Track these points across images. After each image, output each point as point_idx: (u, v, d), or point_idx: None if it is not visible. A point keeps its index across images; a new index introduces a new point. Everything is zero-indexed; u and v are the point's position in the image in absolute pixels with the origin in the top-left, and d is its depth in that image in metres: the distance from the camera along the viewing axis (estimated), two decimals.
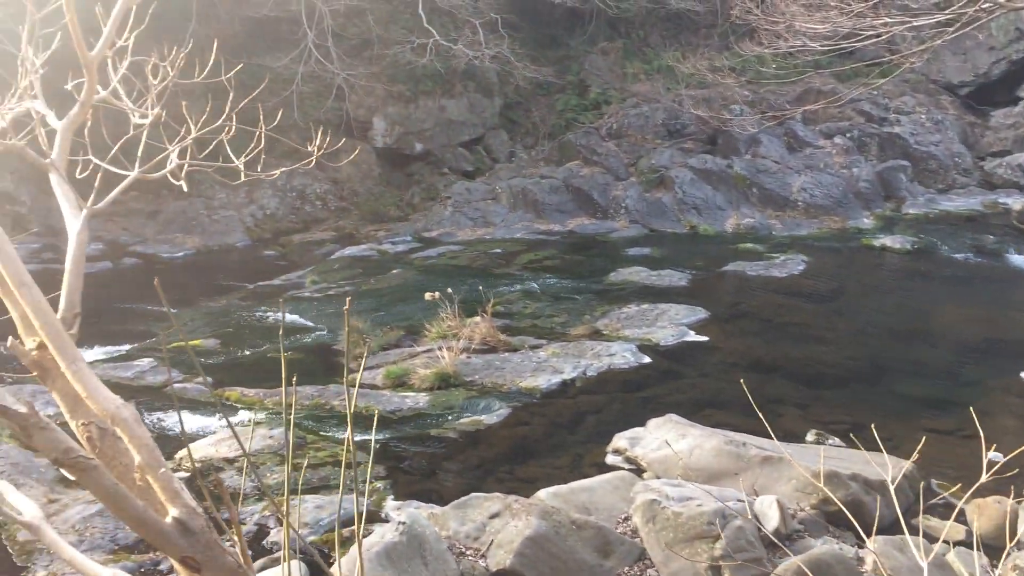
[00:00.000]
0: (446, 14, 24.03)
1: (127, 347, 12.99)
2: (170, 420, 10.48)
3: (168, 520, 1.99)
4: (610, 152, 23.46)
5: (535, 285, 16.45)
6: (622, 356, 12.38)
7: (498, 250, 19.54)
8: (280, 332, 12.35)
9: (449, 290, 13.13)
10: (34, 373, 2.33)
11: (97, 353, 12.63)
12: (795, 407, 10.76)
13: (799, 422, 10.18)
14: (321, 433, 10.13)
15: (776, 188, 21.73)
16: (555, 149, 24.59)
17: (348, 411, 2.01)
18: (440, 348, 11.93)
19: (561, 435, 10.20)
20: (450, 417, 10.59)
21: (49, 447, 1.93)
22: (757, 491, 7.71)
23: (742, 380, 4.97)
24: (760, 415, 3.95)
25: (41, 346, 2.23)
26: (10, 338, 2.25)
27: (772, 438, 6.07)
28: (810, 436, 9.78)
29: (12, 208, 17.79)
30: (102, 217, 18.23)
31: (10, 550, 7.60)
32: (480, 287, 13.90)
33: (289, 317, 14.23)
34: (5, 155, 3.03)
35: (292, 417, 2.16)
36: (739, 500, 7.19)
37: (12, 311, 2.36)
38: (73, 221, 2.58)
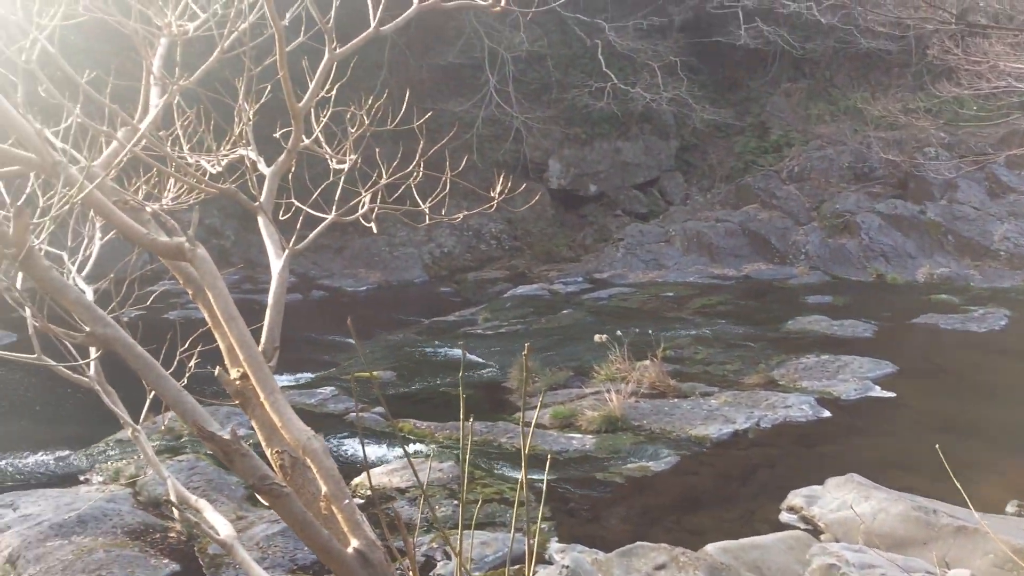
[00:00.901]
0: (624, 58, 24.21)
1: (312, 375, 13.72)
2: (346, 446, 10.95)
3: (350, 551, 2.07)
4: (790, 196, 22.71)
5: (708, 331, 16.07)
6: (799, 408, 11.82)
7: (670, 293, 19.26)
8: (461, 372, 12.66)
9: (619, 332, 13.06)
10: (236, 401, 2.51)
11: (285, 379, 13.42)
12: (994, 474, 9.87)
13: (998, 491, 9.32)
14: (489, 470, 10.26)
15: (975, 236, 20.24)
16: (732, 192, 24.08)
17: (523, 450, 2.03)
18: (608, 391, 11.85)
19: (732, 488, 9.83)
20: (617, 461, 10.45)
21: (247, 473, 2.06)
22: (948, 564, 7.11)
23: (937, 445, 4.61)
24: (954, 480, 3.65)
25: (244, 376, 2.40)
26: (218, 367, 2.43)
27: (967, 506, 5.59)
28: (1010, 507, 8.93)
29: (218, 242, 19.36)
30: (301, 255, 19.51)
31: (200, 561, 8.12)
32: (650, 330, 13.74)
33: (460, 353, 14.59)
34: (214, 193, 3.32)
35: (467, 454, 2.20)
36: (928, 572, 6.65)
37: (220, 342, 2.55)
38: (276, 261, 2.78)
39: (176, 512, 2.54)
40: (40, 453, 11.41)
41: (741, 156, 25.03)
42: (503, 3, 3.29)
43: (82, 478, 10.60)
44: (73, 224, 3.59)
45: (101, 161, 2.75)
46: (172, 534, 8.63)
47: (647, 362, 12.77)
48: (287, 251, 2.85)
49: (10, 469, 10.99)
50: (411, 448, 11.15)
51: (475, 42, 23.57)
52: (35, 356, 3.00)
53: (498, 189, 3.46)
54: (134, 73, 3.10)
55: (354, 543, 2.09)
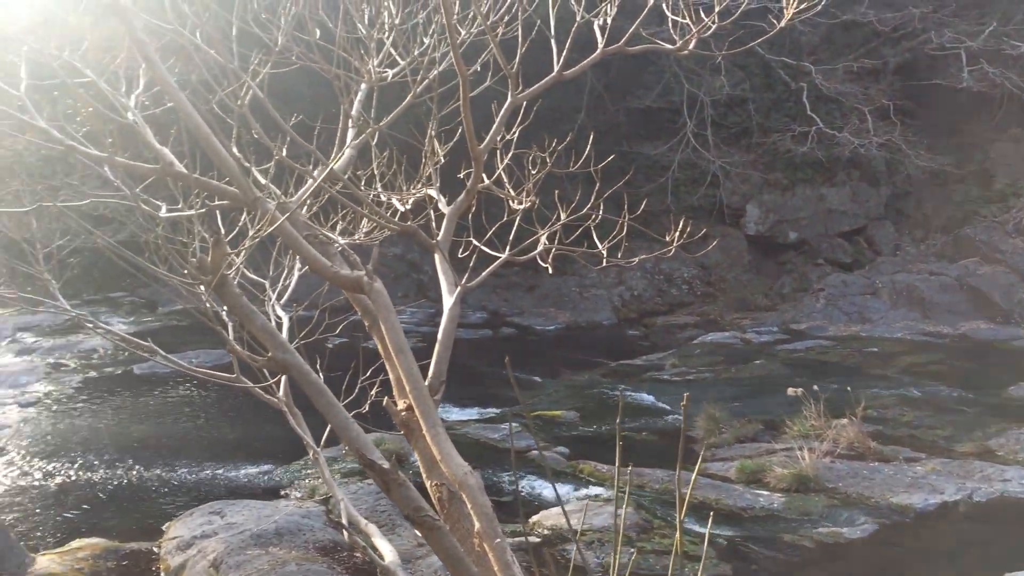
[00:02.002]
0: (832, 102, 23.26)
1: (497, 410, 13.97)
2: (527, 484, 11.03)
3: None
4: (1017, 250, 20.79)
5: (916, 391, 14.90)
6: (1020, 483, 10.68)
7: (874, 349, 18.08)
8: (619, 417, 12.50)
9: (815, 387, 12.38)
10: (401, 431, 2.59)
11: (471, 413, 13.75)
12: None
13: None
14: (670, 519, 9.99)
15: None
16: (949, 244, 22.37)
17: (677, 499, 1.96)
18: (800, 448, 11.23)
19: (937, 564, 9.01)
20: (806, 524, 9.86)
21: (403, 503, 2.11)
22: None
23: None
24: None
25: (409, 408, 2.48)
26: (386, 398, 2.53)
27: None
28: None
29: (416, 276, 20.27)
30: (487, 289, 20.07)
31: None
32: (850, 387, 12.91)
33: (647, 398, 14.39)
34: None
35: (624, 504, 2.14)
36: None
37: (390, 373, 2.66)
38: (448, 297, 2.86)
39: (346, 534, 2.65)
40: (247, 466, 12.31)
41: (961, 205, 23.22)
42: (691, 46, 3.25)
43: (282, 492, 11.33)
44: (276, 255, 3.88)
45: (296, 197, 2.97)
46: (358, 554, 9.02)
47: (845, 420, 12.01)
48: (459, 288, 2.93)
49: (221, 479, 11.92)
50: (592, 491, 11.06)
51: (674, 86, 23.47)
52: (234, 376, 3.24)
53: (676, 231, 3.40)
54: (336, 117, 3.34)
55: None
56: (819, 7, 3.14)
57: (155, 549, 9.39)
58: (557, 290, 21.34)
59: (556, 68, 2.89)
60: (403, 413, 2.49)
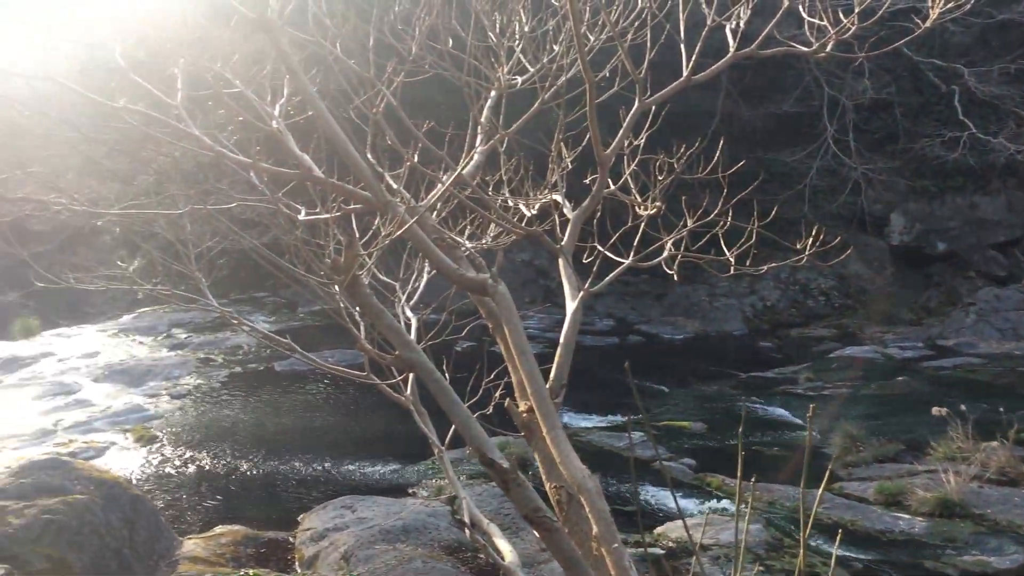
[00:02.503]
0: (986, 105, 21.90)
1: (622, 418, 13.86)
2: (651, 494, 10.89)
3: None
4: None
5: None
6: None
7: None
8: (740, 427, 12.13)
9: (962, 407, 11.68)
10: (522, 433, 2.62)
11: (594, 420, 13.70)
12: None
13: None
14: (800, 539, 9.64)
15: None
16: None
17: (801, 516, 1.90)
18: (946, 471, 10.62)
19: None
20: (951, 551, 9.31)
21: (522, 503, 2.14)
22: None
23: None
24: None
25: (530, 410, 2.51)
26: (508, 399, 2.56)
27: None
28: None
29: (544, 282, 20.38)
30: (614, 297, 19.95)
31: None
32: (1002, 408, 12.11)
33: (779, 412, 13.96)
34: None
35: (747, 520, 2.09)
36: None
37: (512, 375, 2.69)
38: (571, 302, 2.88)
39: (467, 532, 2.71)
40: (376, 463, 12.70)
41: None
42: (828, 48, 3.15)
43: (409, 490, 11.62)
44: (406, 258, 4.00)
45: (425, 202, 3.05)
46: (482, 555, 9.14)
47: (995, 444, 11.27)
48: (582, 293, 2.93)
49: (352, 474, 12.34)
50: (719, 504, 10.80)
51: (813, 90, 22.67)
52: (365, 374, 3.36)
53: (807, 241, 3.29)
54: (466, 123, 3.41)
55: None
56: (967, 7, 2.98)
57: (291, 539, 9.82)
58: (686, 299, 20.98)
59: (685, 73, 2.86)
60: (524, 415, 2.51)
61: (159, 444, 13.04)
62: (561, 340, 2.89)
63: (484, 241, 3.60)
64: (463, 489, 3.04)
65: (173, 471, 12.15)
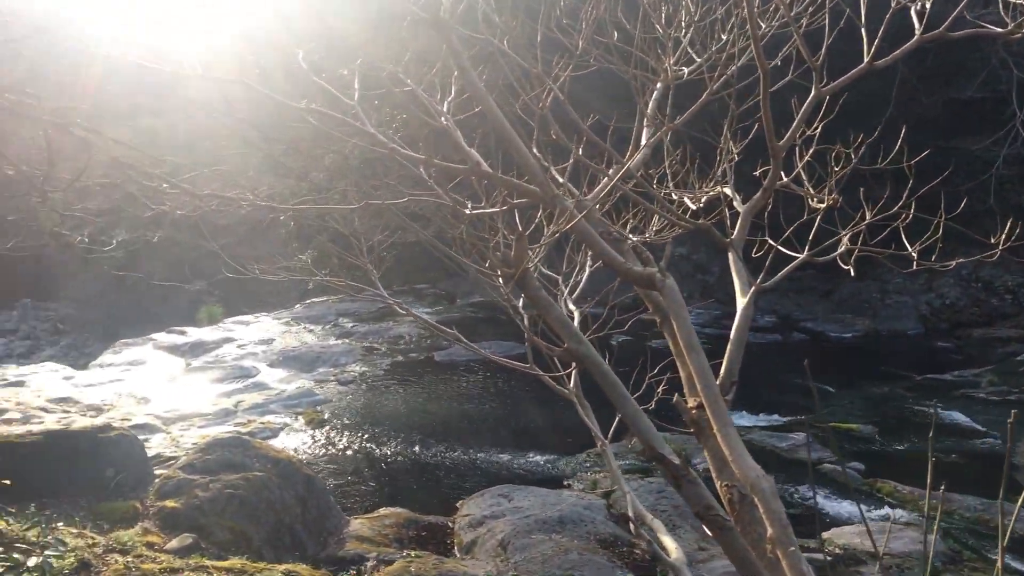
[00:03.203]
0: None
1: (785, 419, 13.39)
2: (817, 497, 10.48)
3: None
4: None
5: None
6: None
7: None
8: (931, 432, 11.42)
9: None
10: (691, 430, 2.57)
11: (758, 419, 13.29)
12: None
13: None
14: (983, 551, 9.00)
15: None
16: None
17: (999, 529, 1.77)
18: None
19: None
20: None
21: (693, 500, 2.10)
22: None
23: None
24: None
25: (700, 406, 2.46)
26: (676, 395, 2.53)
27: None
28: None
29: (703, 277, 19.95)
30: (778, 293, 19.26)
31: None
32: None
33: (958, 417, 13.08)
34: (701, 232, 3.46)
35: (934, 531, 1.98)
36: None
37: (681, 371, 2.65)
38: (742, 298, 2.80)
39: (632, 527, 2.69)
40: (532, 454, 12.85)
41: None
42: None
43: (564, 482, 11.69)
44: (568, 252, 4.02)
45: (592, 195, 3.05)
46: (638, 550, 9.08)
47: None
48: (753, 288, 2.85)
49: (511, 464, 12.56)
50: (889, 512, 10.26)
51: (1000, 73, 20.99)
52: (528, 366, 3.41)
53: (1001, 235, 3.04)
54: (632, 116, 3.39)
55: None
56: None
57: (449, 524, 10.10)
58: (856, 295, 19.97)
59: (866, 58, 2.71)
60: (693, 411, 2.47)
61: (327, 427, 13.72)
62: (732, 336, 2.82)
63: (647, 235, 3.56)
64: (626, 483, 3.02)
65: (340, 453, 12.76)
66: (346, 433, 13.56)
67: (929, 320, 19.56)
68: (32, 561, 5.12)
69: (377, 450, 12.93)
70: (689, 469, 2.13)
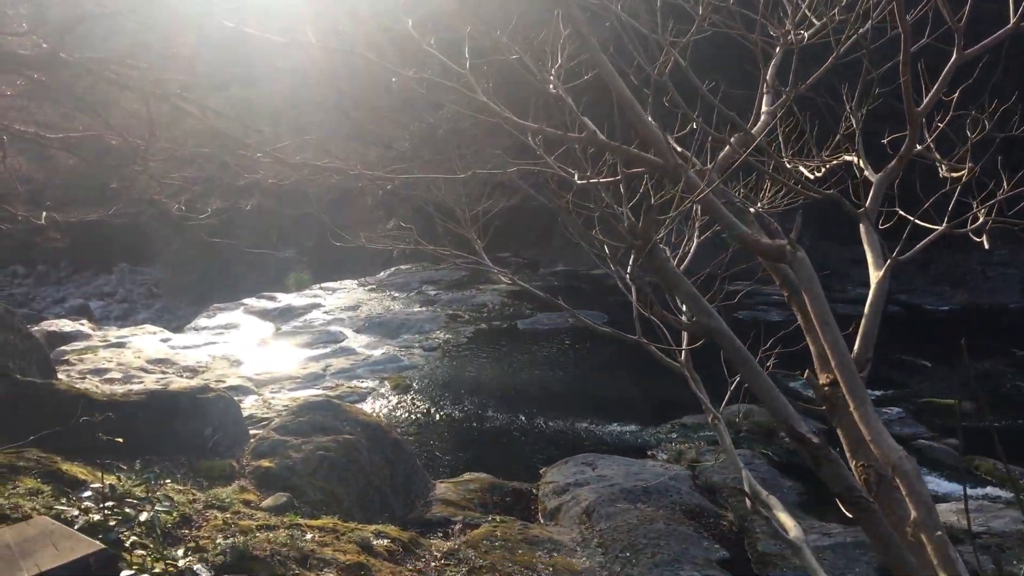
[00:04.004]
0: None
1: (879, 393, 13.04)
2: None
3: None
4: None
5: None
6: None
7: None
8: None
9: None
10: (822, 407, 2.50)
11: None
12: None
13: None
14: None
15: None
16: None
17: None
18: None
19: None
20: None
21: (834, 481, 2.04)
22: None
23: None
24: None
25: (832, 383, 2.38)
26: (807, 371, 2.45)
27: None
28: None
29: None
30: None
31: (749, 555, 8.30)
32: None
33: None
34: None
35: None
36: None
37: (811, 346, 2.57)
38: (875, 271, 2.69)
39: (748, 503, 2.64)
40: (615, 423, 12.83)
41: None
42: None
43: (648, 452, 11.64)
44: (676, 222, 3.92)
45: (714, 164, 2.96)
46: (724, 522, 8.99)
47: None
48: (889, 261, 2.74)
49: (594, 433, 12.57)
50: (988, 491, 9.93)
51: None
52: (636, 337, 3.36)
53: None
54: (751, 83, 3.27)
55: None
56: None
57: (533, 490, 10.17)
58: (956, 267, 19.23)
59: (1012, 18, 2.55)
60: (826, 388, 2.40)
61: (413, 392, 13.94)
62: (866, 311, 2.72)
63: (761, 204, 3.45)
64: (739, 458, 2.96)
65: (424, 418, 12.96)
66: (430, 398, 13.75)
67: None
68: (143, 516, 5.33)
69: (460, 416, 13.09)
70: (829, 449, 2.06)
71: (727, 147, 3.03)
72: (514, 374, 15.24)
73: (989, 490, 9.89)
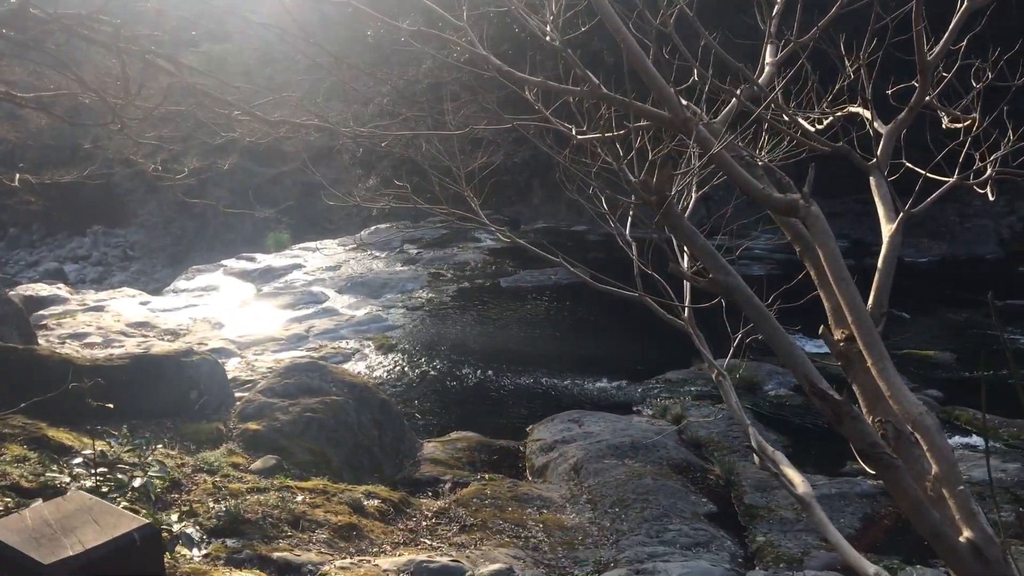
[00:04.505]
0: None
1: None
2: None
3: (962, 540, 1.93)
4: None
5: None
6: None
7: None
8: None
9: None
10: (838, 363, 2.48)
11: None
12: None
13: None
14: None
15: None
16: None
17: None
18: None
19: None
20: None
21: (857, 437, 2.03)
22: None
23: None
24: None
25: (848, 339, 2.37)
26: (822, 327, 2.43)
27: None
28: None
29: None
30: (850, 216, 18.74)
31: (736, 508, 8.40)
32: None
33: None
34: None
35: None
36: None
37: (826, 302, 2.54)
38: (887, 224, 2.67)
39: (756, 459, 2.64)
40: (600, 379, 12.89)
41: None
42: None
43: (634, 408, 11.71)
44: (677, 177, 3.88)
45: (721, 118, 2.91)
46: (711, 476, 9.09)
47: None
48: (901, 215, 2.71)
49: (579, 389, 12.62)
50: (966, 440, 10.09)
51: None
52: (637, 293, 3.33)
53: None
54: (752, 35, 3.21)
55: (967, 533, 1.93)
56: None
57: (520, 448, 10.22)
58: (932, 219, 19.36)
59: None
60: (841, 344, 2.38)
61: (397, 352, 13.90)
62: (879, 265, 2.70)
63: (761, 156, 3.40)
64: (746, 415, 2.96)
65: (410, 378, 12.95)
66: (415, 358, 13.74)
67: (1010, 244, 18.89)
68: (137, 482, 5.29)
69: (446, 375, 13.10)
70: (851, 406, 2.05)
71: (733, 100, 2.98)
72: (498, 332, 15.24)
73: (968, 439, 10.06)
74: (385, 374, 13.00)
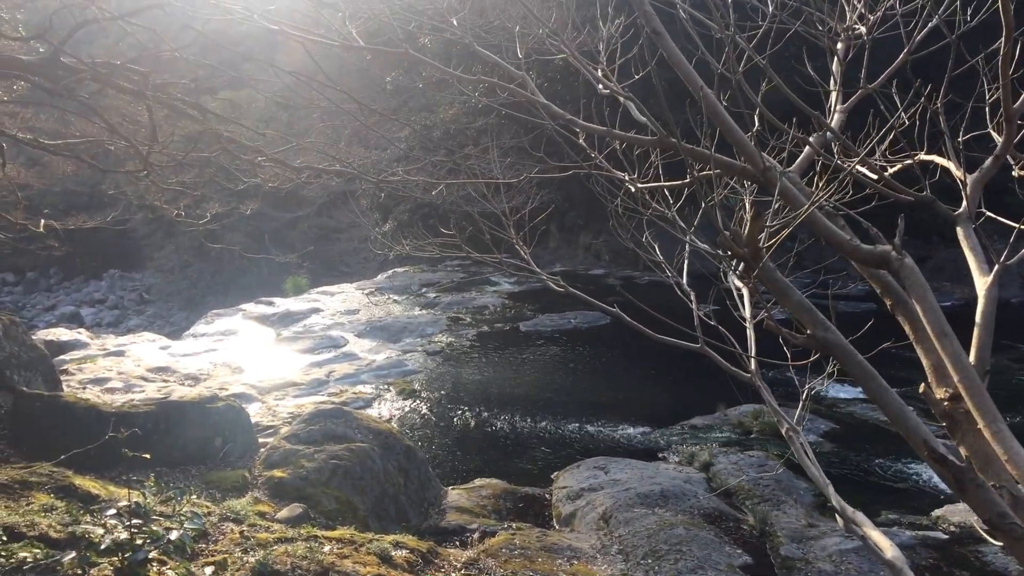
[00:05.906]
0: None
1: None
2: (921, 474, 10.14)
3: None
4: None
5: None
6: None
7: None
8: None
9: None
10: (942, 423, 2.38)
11: (853, 391, 12.88)
12: None
13: None
14: None
15: None
16: None
17: None
18: None
19: None
20: None
21: (982, 506, 1.92)
22: None
23: None
24: None
25: (952, 398, 2.27)
26: (923, 385, 2.33)
27: None
28: None
29: None
30: None
31: (772, 560, 8.19)
32: None
33: None
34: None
35: None
36: None
37: (924, 358, 2.45)
38: (981, 278, 2.58)
39: (840, 520, 2.51)
40: (625, 426, 12.70)
41: None
42: None
43: (660, 455, 11.51)
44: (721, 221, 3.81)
45: (795, 167, 2.85)
46: (744, 526, 8.87)
47: None
48: (997, 267, 2.62)
49: (603, 435, 12.43)
50: None
51: None
52: (699, 346, 3.24)
53: None
54: (809, 82, 3.16)
55: None
56: None
57: (546, 495, 10.03)
58: (954, 262, 19.24)
59: None
60: (946, 404, 2.28)
61: (418, 397, 13.77)
62: (978, 320, 2.60)
63: (823, 202, 3.32)
64: (822, 473, 2.83)
65: (431, 423, 12.80)
66: (436, 403, 13.60)
67: None
68: (174, 535, 5.17)
69: (468, 420, 12.94)
70: (976, 472, 1.94)
71: (807, 148, 2.91)
72: (518, 377, 15.10)
73: None
74: (406, 419, 12.86)
